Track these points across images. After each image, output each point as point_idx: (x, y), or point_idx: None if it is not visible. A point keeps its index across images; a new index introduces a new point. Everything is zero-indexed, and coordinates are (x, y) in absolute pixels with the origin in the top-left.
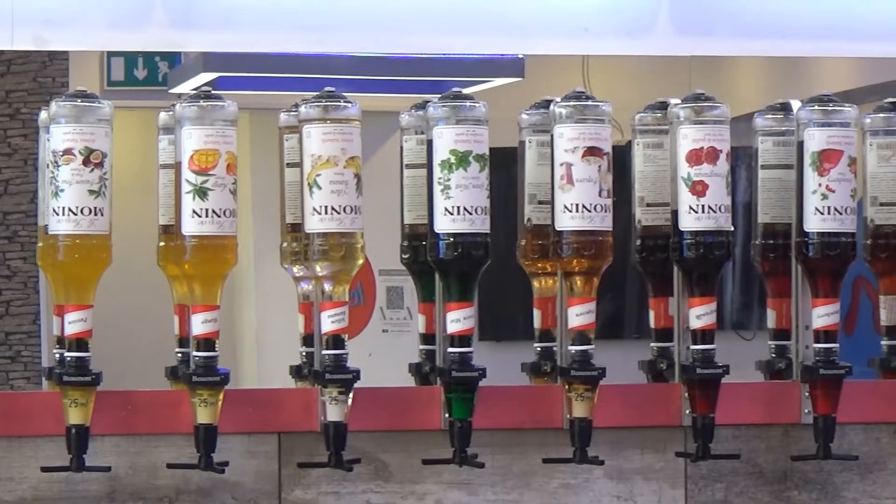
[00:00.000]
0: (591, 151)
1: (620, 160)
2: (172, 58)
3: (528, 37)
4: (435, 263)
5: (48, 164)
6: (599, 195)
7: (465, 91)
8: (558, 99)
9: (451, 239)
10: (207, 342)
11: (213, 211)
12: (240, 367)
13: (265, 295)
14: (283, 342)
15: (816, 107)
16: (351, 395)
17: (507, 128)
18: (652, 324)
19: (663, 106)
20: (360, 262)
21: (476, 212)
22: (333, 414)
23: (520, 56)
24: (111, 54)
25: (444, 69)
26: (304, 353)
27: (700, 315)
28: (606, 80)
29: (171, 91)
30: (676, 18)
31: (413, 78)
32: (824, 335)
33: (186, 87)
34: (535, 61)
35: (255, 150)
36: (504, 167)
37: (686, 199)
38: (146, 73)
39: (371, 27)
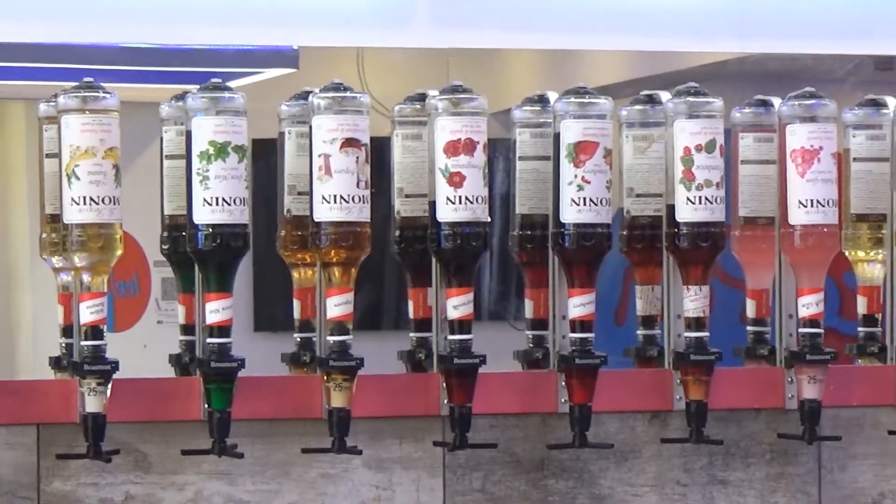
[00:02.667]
0: (349, 143)
1: (382, 151)
2: None
3: (289, 27)
4: (194, 254)
5: None
6: (357, 186)
7: (241, 82)
8: (317, 90)
9: (210, 230)
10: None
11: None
12: (16, 359)
13: (41, 286)
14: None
15: (572, 99)
16: (110, 385)
17: None
18: (411, 314)
19: (422, 97)
20: (119, 252)
21: (235, 203)
22: (92, 405)
23: (294, 47)
24: None
25: (219, 60)
26: (63, 345)
27: (457, 305)
28: (381, 72)
29: None
30: (435, 11)
31: (187, 69)
32: (580, 325)
33: None
34: (310, 53)
35: (30, 140)
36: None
37: (443, 190)
38: None
39: (144, 18)
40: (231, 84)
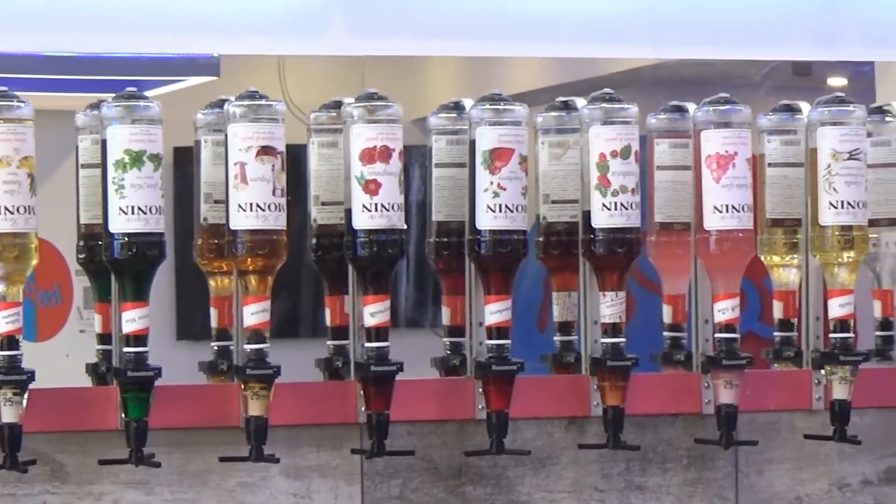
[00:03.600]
0: (265, 151)
1: (297, 159)
2: None
3: (208, 35)
4: (110, 263)
5: None
6: (273, 194)
7: (163, 90)
8: (232, 98)
9: (126, 239)
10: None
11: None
12: None
13: None
14: None
15: (487, 106)
16: (26, 396)
17: None
18: (328, 322)
19: (338, 105)
20: (35, 262)
21: (151, 211)
22: (8, 415)
23: (215, 55)
24: None
25: (140, 68)
26: None
27: (374, 313)
28: (302, 79)
29: None
30: (351, 18)
31: (106, 77)
32: (497, 332)
33: None
34: (232, 61)
35: None
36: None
37: (359, 197)
38: None
39: (60, 26)
40: (153, 92)
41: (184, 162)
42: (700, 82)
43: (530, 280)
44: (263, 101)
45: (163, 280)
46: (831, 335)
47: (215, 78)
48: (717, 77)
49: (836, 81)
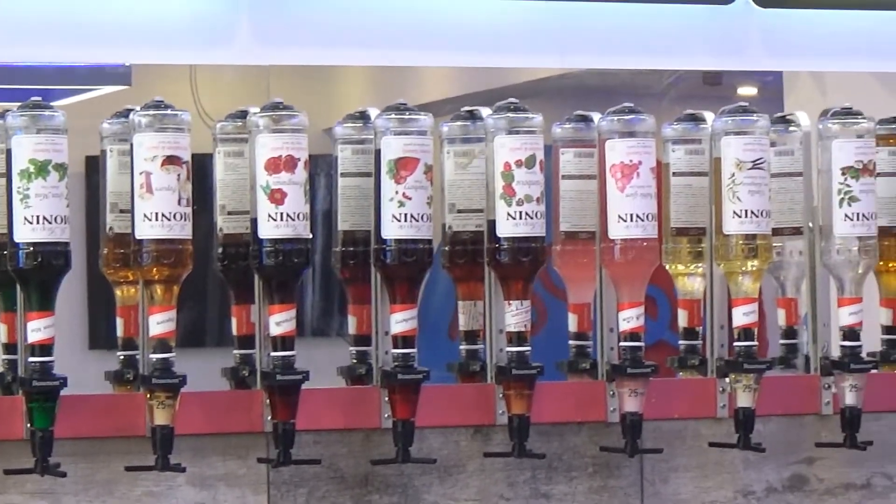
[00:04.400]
0: (171, 160)
1: (202, 168)
2: None
3: (116, 44)
4: (15, 273)
5: None
6: (179, 204)
7: (74, 99)
8: (138, 108)
9: (31, 248)
10: None
11: None
12: None
13: None
14: None
15: (392, 115)
16: None
17: None
18: (234, 331)
19: (244, 114)
20: None
21: (56, 221)
22: None
23: (126, 64)
24: None
25: (49, 77)
26: None
27: (280, 322)
28: (213, 88)
29: None
30: (257, 28)
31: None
32: (402, 341)
33: None
34: (144, 70)
35: None
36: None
37: (264, 207)
38: None
39: None
40: (65, 101)
41: (95, 171)
42: (605, 92)
43: (442, 289)
44: (169, 111)
45: (75, 289)
46: (735, 343)
47: (127, 87)
48: (623, 87)
49: (746, 91)
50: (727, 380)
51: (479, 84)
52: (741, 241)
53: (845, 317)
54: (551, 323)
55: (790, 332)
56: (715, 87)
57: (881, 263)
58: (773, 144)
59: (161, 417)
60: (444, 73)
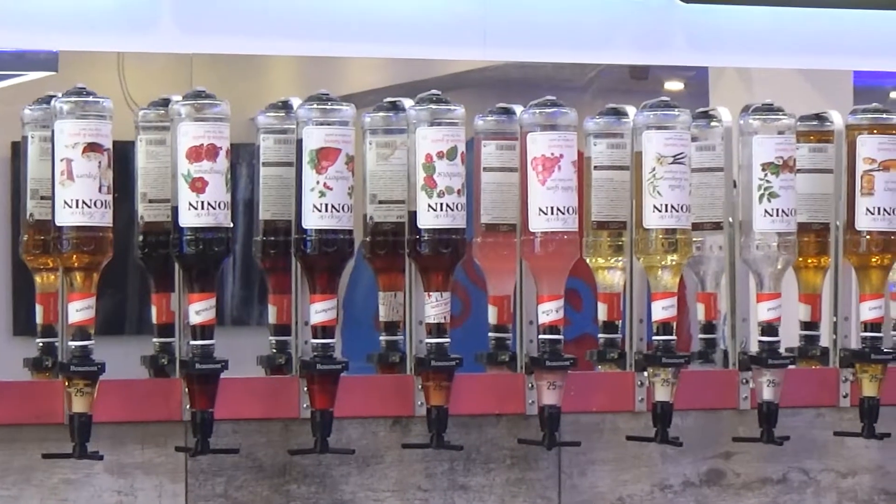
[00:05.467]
0: (92, 147)
1: (126, 155)
2: None
3: (40, 30)
4: None
5: None
6: (100, 191)
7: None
8: (60, 95)
9: None
10: None
11: None
12: None
13: None
14: None
15: (315, 105)
16: None
17: None
18: (154, 319)
19: (167, 102)
20: None
21: None
22: None
23: (54, 50)
24: None
25: None
26: None
27: (199, 310)
28: (141, 76)
29: None
30: (180, 16)
31: None
32: (322, 331)
33: None
34: (71, 56)
35: None
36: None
37: (185, 195)
38: None
39: None
40: None
41: (20, 157)
42: (529, 85)
43: (368, 280)
44: (90, 98)
45: None
46: (654, 338)
47: (54, 73)
48: (546, 80)
49: (673, 86)
50: (645, 374)
51: (403, 76)
52: (661, 236)
53: (764, 312)
54: (474, 315)
55: (709, 327)
56: (641, 82)
57: (800, 259)
58: (694, 139)
59: (79, 405)
60: (368, 64)
